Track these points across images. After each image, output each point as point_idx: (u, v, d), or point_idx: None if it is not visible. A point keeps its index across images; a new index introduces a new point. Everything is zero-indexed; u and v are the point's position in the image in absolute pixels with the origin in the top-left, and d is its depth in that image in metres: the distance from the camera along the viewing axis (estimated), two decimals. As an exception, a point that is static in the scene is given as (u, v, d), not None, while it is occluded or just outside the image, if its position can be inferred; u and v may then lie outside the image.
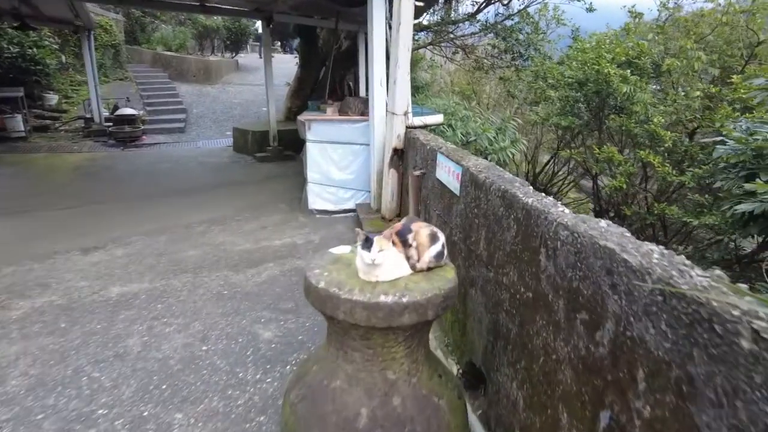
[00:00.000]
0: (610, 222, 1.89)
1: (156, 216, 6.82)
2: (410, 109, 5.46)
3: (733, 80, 6.73)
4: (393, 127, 5.42)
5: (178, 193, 8.27)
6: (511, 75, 14.35)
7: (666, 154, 7.80)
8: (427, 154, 4.37)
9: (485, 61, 15.03)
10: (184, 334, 3.85)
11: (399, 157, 5.54)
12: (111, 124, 13.81)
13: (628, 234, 1.74)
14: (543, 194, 2.36)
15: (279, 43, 28.24)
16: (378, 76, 5.68)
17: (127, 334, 3.83)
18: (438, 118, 5.63)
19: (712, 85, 8.84)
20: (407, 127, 5.43)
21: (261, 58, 19.94)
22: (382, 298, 2.03)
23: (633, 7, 10.56)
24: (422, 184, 4.49)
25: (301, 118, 6.68)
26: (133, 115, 13.87)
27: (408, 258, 2.33)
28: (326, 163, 6.65)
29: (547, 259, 2.06)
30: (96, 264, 5.17)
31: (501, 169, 3.05)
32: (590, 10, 13.51)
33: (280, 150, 11.09)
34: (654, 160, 6.73)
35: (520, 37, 13.42)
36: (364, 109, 6.50)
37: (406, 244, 2.33)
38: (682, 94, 9.16)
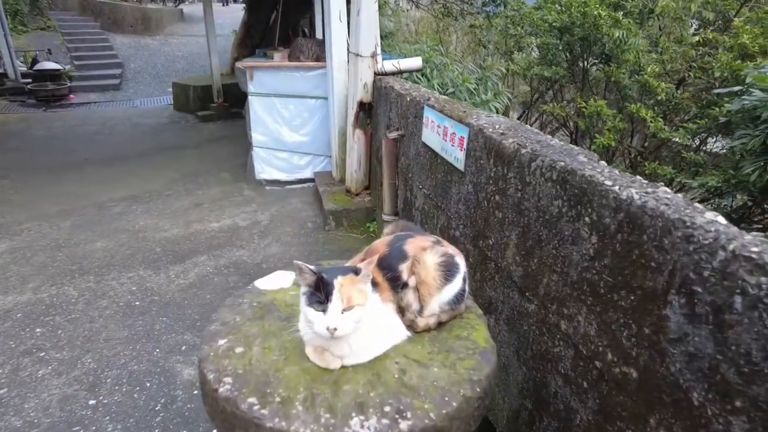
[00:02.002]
0: None
1: (63, 194, 5.44)
2: (379, 51, 4.20)
3: (732, 25, 6.00)
4: (357, 73, 4.16)
5: (98, 162, 6.82)
6: (483, 22, 13.18)
7: (654, 108, 6.97)
8: (406, 109, 3.17)
9: (454, 6, 13.74)
10: (65, 378, 2.67)
11: (366, 113, 4.32)
12: (30, 80, 11.85)
13: None
14: (663, 187, 1.25)
15: (231, -7, 25.79)
16: (336, 8, 4.37)
17: (-30, 390, 2.60)
18: (415, 62, 4.40)
19: (709, 30, 7.99)
20: (376, 74, 4.19)
21: (221, 3, 17.82)
22: (355, 428, 0.92)
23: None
24: (400, 151, 3.32)
25: (240, 64, 5.31)
26: (57, 69, 11.93)
27: (402, 309, 1.20)
28: (275, 121, 5.36)
29: (688, 321, 0.97)
30: (-43, 267, 3.85)
31: (536, 131, 1.91)
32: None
33: (226, 107, 9.61)
34: (646, 114, 5.79)
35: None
36: (320, 53, 5.19)
37: (396, 285, 1.20)
38: (674, 40, 8.35)
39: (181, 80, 11.03)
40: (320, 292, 1.11)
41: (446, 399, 1.08)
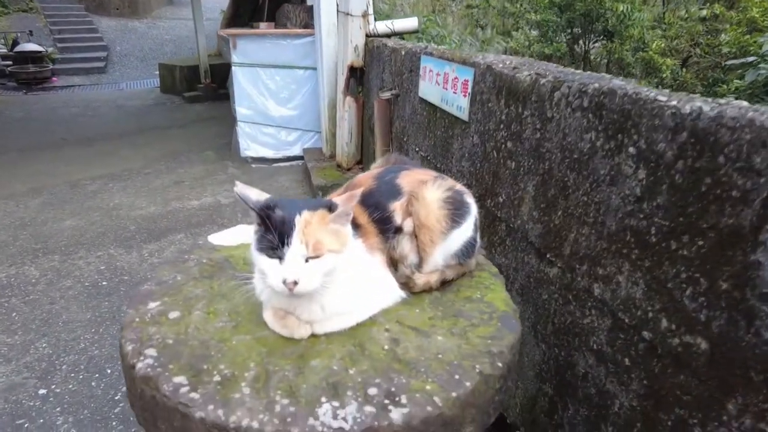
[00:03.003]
0: None
1: (34, 172, 5.10)
2: (371, 11, 3.86)
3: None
4: (348, 35, 3.82)
5: (76, 142, 6.47)
6: (480, 2, 12.90)
7: (658, 87, 6.71)
8: (401, 65, 2.84)
9: None
10: (14, 365, 2.36)
11: (357, 79, 3.98)
12: (10, 62, 11.44)
13: None
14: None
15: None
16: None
17: None
18: (411, 23, 4.05)
19: (717, 4, 7.76)
20: (368, 36, 3.84)
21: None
22: (325, 419, 0.58)
23: None
24: (394, 113, 3.00)
25: (223, 32, 4.95)
26: (39, 51, 11.52)
27: (395, 261, 0.87)
28: (260, 94, 5.01)
29: None
30: None
31: (553, 64, 1.60)
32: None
33: (214, 88, 9.25)
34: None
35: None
36: (308, 20, 4.85)
37: (387, 230, 0.87)
38: (683, 13, 8.18)
39: (168, 61, 10.67)
40: (272, 233, 0.79)
41: (456, 377, 0.77)
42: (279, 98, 5.04)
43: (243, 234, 1.24)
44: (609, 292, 1.19)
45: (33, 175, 5.02)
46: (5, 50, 11.68)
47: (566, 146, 1.33)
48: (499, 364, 0.81)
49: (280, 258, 0.80)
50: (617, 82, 1.24)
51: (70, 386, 2.23)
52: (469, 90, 1.89)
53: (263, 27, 5.11)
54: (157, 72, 11.47)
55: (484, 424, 0.80)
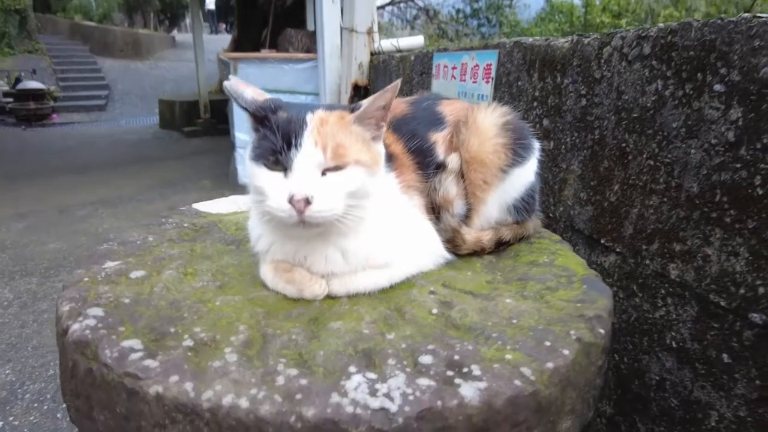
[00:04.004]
0: None
1: (22, 197, 4.88)
2: (376, 29, 3.76)
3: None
4: (352, 52, 3.70)
5: (69, 170, 6.29)
6: (479, 44, 13.16)
7: None
8: (410, 71, 2.69)
9: (449, 27, 13.78)
10: (-29, 392, 2.05)
11: (362, 98, 3.83)
12: (12, 99, 11.49)
13: None
14: None
15: (224, 26, 26.20)
16: (329, -11, 3.94)
17: None
18: (417, 40, 3.95)
19: None
20: (372, 54, 3.73)
21: (210, 33, 17.77)
22: (357, 395, 0.32)
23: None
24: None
25: (224, 55, 4.87)
26: (40, 89, 11.59)
27: (435, 207, 0.61)
28: (262, 120, 4.86)
29: None
30: None
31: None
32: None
33: (213, 123, 9.18)
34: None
35: (489, -3, 12.11)
36: (310, 45, 4.77)
37: (425, 163, 0.68)
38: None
39: (168, 96, 10.71)
40: (276, 135, 0.57)
41: (547, 345, 0.52)
42: (279, 123, 4.90)
43: (236, 203, 1.01)
44: (692, 272, 0.95)
45: (20, 201, 4.80)
46: (7, 88, 11.77)
47: (622, 106, 1.12)
48: (601, 331, 0.57)
49: (286, 168, 0.57)
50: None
51: (31, 418, 1.92)
52: (492, 74, 1.71)
53: (265, 52, 5.04)
54: (157, 110, 11.51)
55: (583, 420, 0.54)
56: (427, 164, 0.74)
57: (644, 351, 1.09)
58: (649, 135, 1.05)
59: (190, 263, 0.71)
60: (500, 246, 0.81)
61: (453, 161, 0.74)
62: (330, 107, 0.64)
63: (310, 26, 6.08)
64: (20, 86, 11.29)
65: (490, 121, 0.78)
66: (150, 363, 0.47)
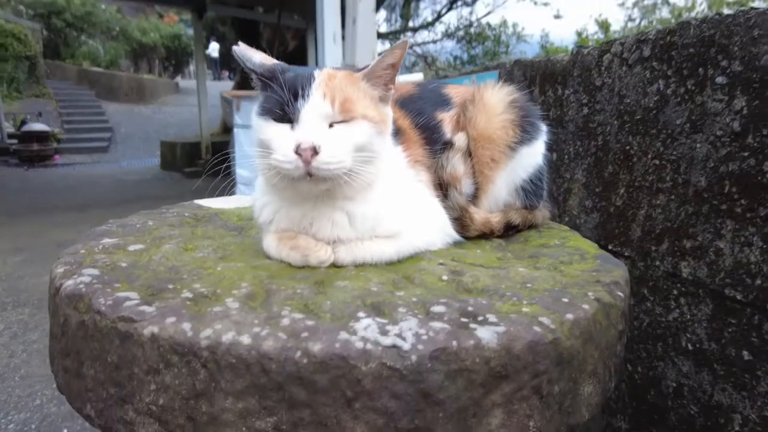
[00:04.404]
0: None
1: (21, 233, 4.87)
2: (377, 66, 3.86)
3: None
4: (354, 87, 3.78)
5: (68, 208, 6.30)
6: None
7: None
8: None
9: (447, 73, 14.21)
10: (-49, 423, 1.96)
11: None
12: (16, 141, 11.69)
13: None
14: None
15: (227, 73, 27.05)
16: (330, 30, 4.08)
17: None
18: (416, 77, 4.05)
19: None
20: (374, 89, 3.81)
21: (213, 80, 18.28)
22: (367, 333, 0.41)
23: (600, 16, 9.84)
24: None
25: (226, 94, 4.98)
26: (44, 131, 11.81)
27: (443, 185, 0.65)
28: (263, 155, 4.92)
29: None
30: None
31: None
32: (557, 17, 12.97)
33: (216, 164, 9.27)
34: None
35: (487, 43, 12.55)
36: (313, 83, 4.87)
37: (432, 138, 0.71)
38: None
39: (169, 138, 10.90)
40: (284, 89, 0.56)
41: (565, 301, 0.49)
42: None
43: (239, 200, 1.00)
44: (705, 268, 0.93)
45: (18, 236, 4.79)
46: (12, 130, 11.99)
47: (624, 109, 1.13)
48: (620, 294, 0.54)
49: (293, 120, 0.57)
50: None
51: (12, 452, 1.83)
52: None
53: (267, 91, 5.17)
54: (158, 152, 11.67)
55: (606, 390, 0.51)
56: (434, 140, 0.73)
57: (659, 357, 1.05)
58: (653, 135, 1.05)
59: (191, 241, 0.68)
60: (509, 230, 0.79)
61: (460, 139, 0.74)
62: (337, 68, 0.65)
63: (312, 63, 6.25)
64: (25, 128, 11.50)
65: (497, 98, 0.77)
66: (146, 308, 0.44)
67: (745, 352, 0.86)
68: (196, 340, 0.39)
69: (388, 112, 0.64)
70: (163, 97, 18.54)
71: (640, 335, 1.10)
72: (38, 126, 11.67)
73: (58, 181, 8.95)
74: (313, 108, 0.58)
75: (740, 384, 0.87)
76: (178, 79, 21.21)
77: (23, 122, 11.96)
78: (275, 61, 0.67)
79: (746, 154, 0.85)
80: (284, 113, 0.58)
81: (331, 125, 0.59)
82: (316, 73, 0.60)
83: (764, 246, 0.82)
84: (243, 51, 0.64)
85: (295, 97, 0.57)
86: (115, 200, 7.11)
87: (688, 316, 0.97)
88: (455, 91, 0.82)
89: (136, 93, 17.27)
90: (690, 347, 0.97)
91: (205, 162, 9.42)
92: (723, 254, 0.89)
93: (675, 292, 1.00)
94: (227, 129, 11.02)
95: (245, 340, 0.39)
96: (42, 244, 4.55)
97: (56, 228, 5.18)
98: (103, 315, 0.44)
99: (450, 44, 12.72)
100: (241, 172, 5.18)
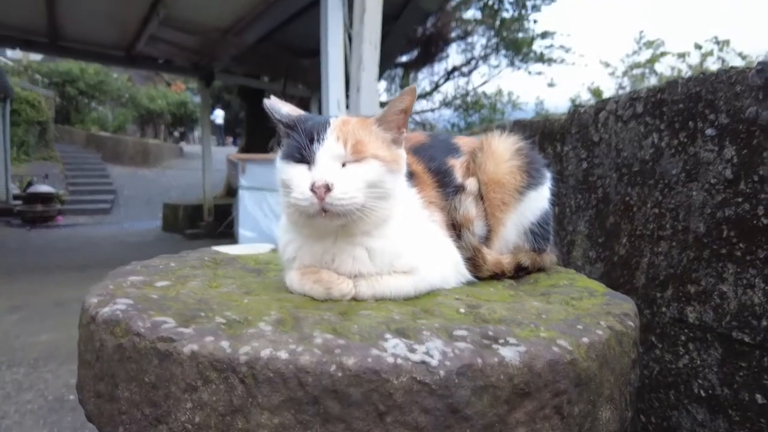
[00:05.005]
0: None
1: (20, 291, 4.83)
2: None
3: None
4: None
5: (69, 267, 6.29)
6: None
7: None
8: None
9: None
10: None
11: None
12: (21, 202, 11.82)
13: None
14: None
15: (231, 139, 27.86)
16: (334, 97, 4.29)
17: None
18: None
19: None
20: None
21: (217, 145, 18.80)
22: (397, 350, 0.45)
23: (592, 84, 10.31)
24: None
25: (232, 157, 5.12)
26: (49, 193, 11.98)
27: (456, 226, 0.73)
28: (265, 216, 4.99)
29: None
30: None
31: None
32: (551, 85, 13.52)
33: (217, 226, 9.36)
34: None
35: (484, 111, 13.04)
36: (317, 145, 5.03)
37: (444, 182, 0.78)
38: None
39: (172, 200, 11.03)
40: (302, 135, 0.62)
41: (580, 327, 0.52)
42: (283, 219, 5.02)
43: (254, 248, 1.03)
44: (711, 312, 0.95)
45: (17, 294, 4.75)
46: (18, 191, 12.16)
47: (622, 162, 1.19)
48: (630, 324, 0.56)
49: (310, 161, 0.62)
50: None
51: None
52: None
53: (273, 154, 5.32)
54: (161, 214, 11.79)
55: (623, 418, 0.51)
56: (446, 184, 0.78)
57: (672, 406, 1.04)
58: (651, 185, 1.10)
59: (214, 280, 0.71)
60: (520, 271, 0.82)
61: (472, 184, 0.78)
62: (353, 115, 0.71)
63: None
64: (30, 190, 11.67)
65: (504, 146, 0.83)
66: (183, 330, 0.46)
67: (758, 396, 0.86)
68: (235, 356, 0.41)
69: (401, 153, 0.70)
70: (167, 161, 18.93)
71: (651, 384, 1.09)
72: (43, 188, 11.84)
73: (60, 241, 8.98)
74: (327, 150, 0.63)
75: (757, 429, 0.86)
76: (183, 144, 21.81)
77: (29, 184, 12.15)
78: (301, 112, 0.73)
79: (740, 199, 0.89)
80: (302, 156, 0.64)
81: (344, 165, 0.64)
82: (332, 120, 0.67)
83: (766, 287, 0.84)
84: (273, 103, 0.70)
85: (312, 141, 0.63)
86: (115, 261, 7.03)
87: (698, 362, 0.98)
88: (463, 141, 0.88)
89: (141, 157, 17.66)
90: (703, 393, 0.97)
91: (207, 224, 9.48)
92: (727, 297, 0.91)
93: (683, 337, 1.01)
94: (230, 192, 11.17)
95: (283, 355, 0.41)
96: (40, 302, 4.51)
97: (55, 287, 5.15)
98: (142, 336, 0.46)
99: (448, 112, 13.20)
100: (244, 232, 5.24)
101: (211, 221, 9.65)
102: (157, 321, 0.48)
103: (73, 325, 2.71)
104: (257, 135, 11.44)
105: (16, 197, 12.13)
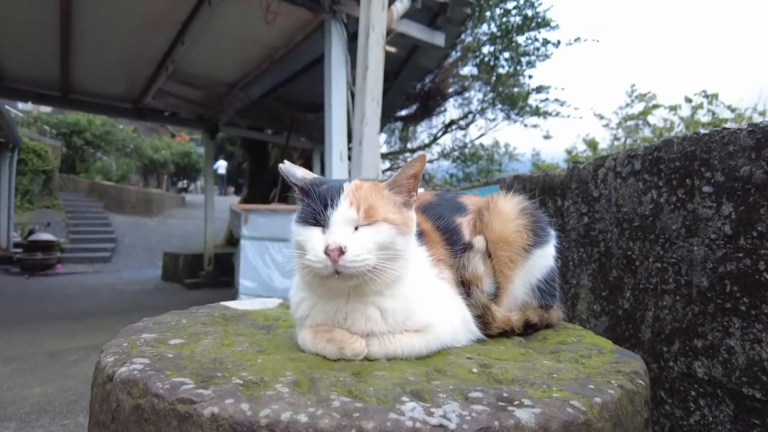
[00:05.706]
0: None
1: (13, 341, 4.76)
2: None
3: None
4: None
5: (64, 317, 6.22)
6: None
7: None
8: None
9: (447, 190, 14.83)
10: None
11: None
12: (21, 249, 11.82)
13: None
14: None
15: (232, 189, 28.18)
16: (337, 149, 4.40)
17: None
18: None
19: None
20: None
21: (219, 195, 19.02)
22: (414, 414, 0.45)
23: (587, 135, 10.53)
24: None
25: (235, 207, 5.17)
26: (50, 241, 11.99)
27: (465, 283, 0.76)
28: (266, 266, 4.98)
29: None
30: None
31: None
32: (547, 137, 13.76)
33: (217, 275, 9.30)
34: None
35: (481, 162, 13.27)
36: (319, 195, 5.10)
37: (452, 240, 0.82)
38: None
39: (173, 250, 11.01)
40: (317, 199, 0.65)
41: (591, 387, 0.52)
42: (284, 270, 5.01)
43: (263, 303, 1.04)
44: (719, 367, 0.94)
45: (11, 344, 4.67)
46: (19, 239, 12.18)
47: (623, 217, 1.22)
48: (641, 382, 0.57)
49: (324, 225, 0.64)
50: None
51: None
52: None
53: (274, 205, 5.38)
54: (160, 263, 11.72)
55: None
56: (454, 242, 0.80)
57: (685, 466, 1.02)
58: (652, 239, 1.12)
59: (226, 337, 0.71)
60: (528, 328, 0.83)
61: (479, 242, 0.80)
62: (366, 180, 0.74)
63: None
64: (31, 238, 11.68)
65: (510, 206, 0.86)
66: (203, 391, 0.46)
67: (773, 455, 0.85)
68: (255, 419, 0.42)
69: (411, 215, 0.72)
70: (168, 210, 19.06)
71: (663, 442, 1.07)
72: (44, 236, 11.86)
73: (58, 289, 8.91)
74: (341, 214, 0.66)
75: (773, 491, 0.84)
76: (184, 194, 22.06)
77: (31, 232, 12.18)
78: (315, 175, 0.76)
79: (741, 254, 0.91)
80: (317, 220, 0.67)
81: (357, 228, 0.67)
82: (345, 185, 0.70)
83: (773, 344, 0.85)
84: (287, 168, 0.74)
85: (326, 206, 0.66)
86: (113, 310, 7.03)
87: (710, 418, 0.97)
88: (469, 200, 0.92)
89: (144, 206, 17.79)
90: (716, 453, 0.95)
91: (207, 273, 9.43)
92: (735, 352, 0.92)
93: (693, 393, 1.01)
94: (231, 241, 11.18)
95: (302, 418, 0.41)
96: (35, 353, 4.43)
97: (51, 337, 5.08)
98: (161, 398, 0.46)
99: (446, 163, 13.41)
100: (244, 282, 5.21)
101: (211, 270, 9.60)
102: (176, 382, 0.48)
103: (66, 377, 2.72)
104: (259, 186, 11.60)
105: (16, 245, 12.14)
